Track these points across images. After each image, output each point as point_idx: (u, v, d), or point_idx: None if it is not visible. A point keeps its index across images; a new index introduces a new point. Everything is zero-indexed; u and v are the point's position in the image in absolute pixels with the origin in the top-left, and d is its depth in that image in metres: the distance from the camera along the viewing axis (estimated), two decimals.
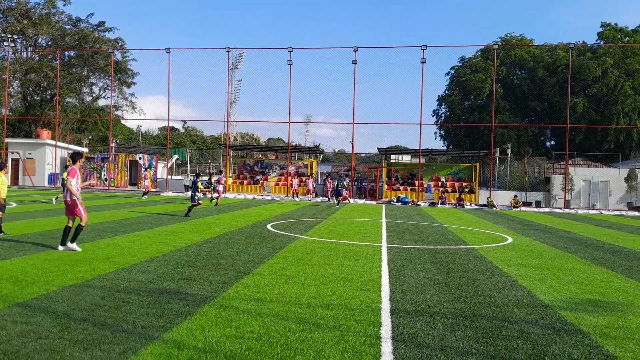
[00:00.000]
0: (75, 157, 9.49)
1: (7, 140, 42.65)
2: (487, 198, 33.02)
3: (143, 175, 34.15)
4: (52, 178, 41.35)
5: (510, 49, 60.83)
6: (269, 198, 33.17)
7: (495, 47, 41.52)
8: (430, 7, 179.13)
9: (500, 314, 5.81)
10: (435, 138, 69.64)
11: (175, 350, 4.24)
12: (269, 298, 6.11)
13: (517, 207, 31.17)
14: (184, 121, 61.95)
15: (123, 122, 68.79)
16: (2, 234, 10.60)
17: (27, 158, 41.37)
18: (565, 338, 5.00)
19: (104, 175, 41.43)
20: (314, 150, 43.96)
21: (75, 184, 9.16)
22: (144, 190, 29.38)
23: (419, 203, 33.12)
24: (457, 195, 34.38)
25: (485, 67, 60.92)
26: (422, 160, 39.22)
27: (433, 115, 68.79)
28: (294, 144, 45.94)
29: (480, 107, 61.31)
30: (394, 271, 8.16)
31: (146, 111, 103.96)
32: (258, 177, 39.57)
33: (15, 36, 51.32)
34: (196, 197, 17.67)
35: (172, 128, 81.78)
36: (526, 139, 58.37)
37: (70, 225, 9.14)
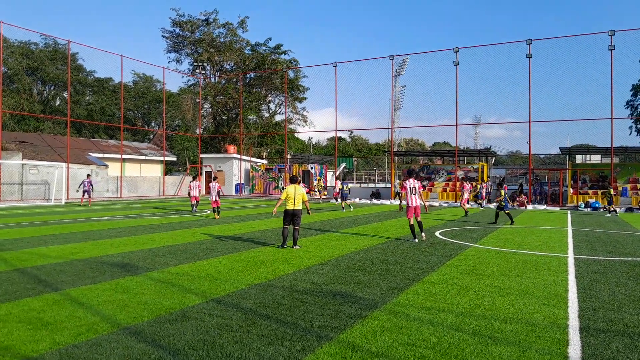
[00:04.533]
0: (412, 172, 12.88)
1: (202, 155, 49.11)
2: None
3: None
4: (238, 188, 46.27)
5: None
6: (437, 204, 32.39)
7: None
8: None
9: None
10: (630, 133, 60.50)
11: (350, 352, 4.36)
12: (440, 307, 5.94)
13: None
14: (351, 131, 64.08)
15: (296, 134, 74.10)
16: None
17: (218, 170, 47.00)
18: None
19: (281, 184, 45.00)
20: (485, 153, 41.67)
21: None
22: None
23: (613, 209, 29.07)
24: None
25: None
26: (615, 160, 34.43)
27: (627, 108, 59.87)
28: (461, 147, 44.19)
29: None
30: (584, 285, 7.29)
31: (316, 123, 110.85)
32: (424, 183, 38.99)
33: (205, 64, 58.94)
34: (509, 206, 19.44)
35: (340, 138, 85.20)
36: None
37: (412, 223, 12.17)
